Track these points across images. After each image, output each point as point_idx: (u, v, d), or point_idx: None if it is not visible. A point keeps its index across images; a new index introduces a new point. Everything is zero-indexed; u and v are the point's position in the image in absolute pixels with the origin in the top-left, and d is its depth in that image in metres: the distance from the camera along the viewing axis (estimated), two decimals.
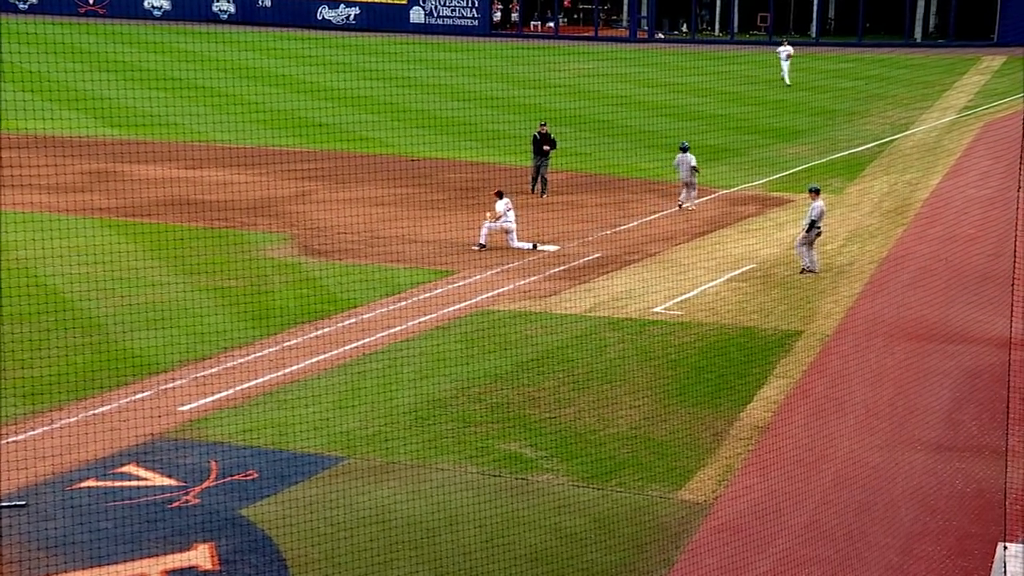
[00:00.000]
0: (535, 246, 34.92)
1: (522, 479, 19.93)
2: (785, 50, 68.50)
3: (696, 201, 40.99)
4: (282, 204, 40.18)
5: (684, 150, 40.62)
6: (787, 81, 67.83)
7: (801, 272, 32.59)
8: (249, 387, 23.95)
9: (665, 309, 29.39)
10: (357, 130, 50.38)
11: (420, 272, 32.43)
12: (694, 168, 40.48)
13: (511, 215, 34.77)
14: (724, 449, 21.26)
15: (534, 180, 42.57)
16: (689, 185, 40.68)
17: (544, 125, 42.51)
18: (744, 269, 32.98)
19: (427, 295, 30.48)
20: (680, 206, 40.64)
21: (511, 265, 33.31)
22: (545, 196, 42.06)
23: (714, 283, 31.65)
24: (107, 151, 45.50)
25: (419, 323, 28.17)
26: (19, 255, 30.74)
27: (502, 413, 22.67)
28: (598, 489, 19.60)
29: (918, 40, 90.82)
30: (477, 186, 39.65)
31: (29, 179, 38.24)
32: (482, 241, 34.51)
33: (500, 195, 35.14)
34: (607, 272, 32.88)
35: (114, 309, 27.99)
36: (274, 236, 36.07)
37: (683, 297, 30.37)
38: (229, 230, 36.14)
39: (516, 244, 34.90)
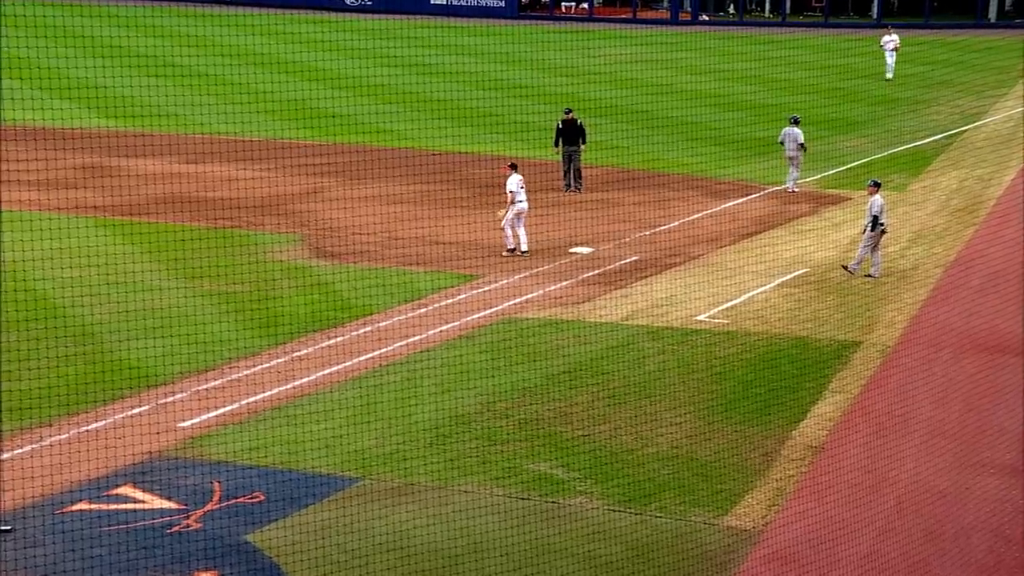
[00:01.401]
0: (514, 250, 34.48)
1: (553, 503, 19.90)
2: (891, 40, 67.40)
3: (799, 182, 41.90)
4: (292, 202, 40.30)
5: (795, 123, 41.19)
6: (890, 75, 66.99)
7: (844, 267, 32.55)
8: (255, 401, 24.00)
9: (709, 317, 29.33)
10: (373, 121, 50.50)
11: (441, 276, 32.46)
12: (802, 145, 41.17)
13: (523, 194, 34.43)
14: (775, 471, 21.18)
15: (567, 174, 42.58)
16: (794, 162, 41.46)
17: (570, 112, 42.52)
18: (796, 274, 32.88)
19: (449, 301, 30.51)
20: (786, 189, 41.87)
21: (540, 269, 33.31)
22: (582, 191, 42.12)
23: (763, 289, 31.56)
24: (102, 144, 45.73)
25: (440, 332, 28.19)
26: (6, 257, 30.86)
27: (531, 430, 22.65)
28: (636, 514, 19.56)
29: (992, 20, 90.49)
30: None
31: (17, 174, 38.46)
32: (511, 245, 34.40)
33: (514, 168, 34.82)
34: (645, 277, 32.84)
35: (109, 316, 28.11)
36: (283, 237, 36.17)
37: (729, 304, 30.29)
38: (234, 230, 36.27)
39: (522, 236, 34.62)
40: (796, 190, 41.97)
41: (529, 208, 34.73)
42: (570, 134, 42.20)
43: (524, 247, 34.45)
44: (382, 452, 21.66)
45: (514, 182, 34.45)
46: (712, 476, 20.88)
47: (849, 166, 46.37)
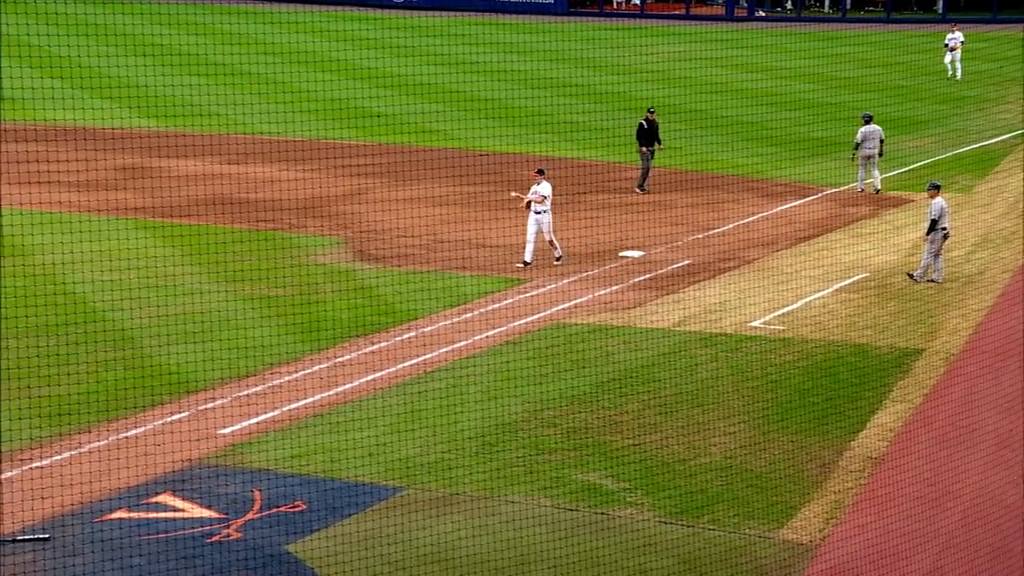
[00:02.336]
0: (525, 264, 33.91)
1: (602, 514, 19.92)
2: (955, 38, 66.52)
3: (866, 182, 42.01)
4: (334, 204, 40.48)
5: (868, 121, 41.31)
6: (957, 74, 66.18)
7: (909, 275, 32.40)
8: (297, 408, 24.14)
9: (764, 323, 29.25)
10: (419, 121, 50.65)
11: (487, 280, 32.52)
12: (883, 142, 41.60)
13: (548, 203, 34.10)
14: (832, 483, 21.11)
15: (643, 177, 42.74)
16: (872, 161, 41.65)
17: (653, 112, 42.72)
18: (855, 279, 32.75)
19: (495, 306, 30.56)
20: (876, 190, 42.02)
21: (589, 273, 33.33)
22: (646, 192, 42.35)
23: (821, 294, 31.45)
24: (142, 144, 46.12)
25: (486, 337, 28.25)
26: (44, 260, 31.19)
27: (579, 439, 22.67)
28: (688, 527, 19.54)
29: None
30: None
31: (56, 175, 38.78)
32: (558, 253, 34.24)
33: (541, 173, 34.53)
34: (698, 281, 32.79)
35: (148, 320, 28.34)
36: (325, 240, 36.34)
37: (785, 310, 30.21)
38: (276, 232, 36.47)
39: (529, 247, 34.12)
40: (880, 188, 42.28)
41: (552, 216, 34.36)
42: (649, 134, 42.42)
43: (528, 257, 33.99)
44: (426, 461, 21.73)
45: (547, 188, 34.11)
46: (767, 488, 20.83)
47: (912, 167, 46.11)
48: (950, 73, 66.10)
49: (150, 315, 28.48)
